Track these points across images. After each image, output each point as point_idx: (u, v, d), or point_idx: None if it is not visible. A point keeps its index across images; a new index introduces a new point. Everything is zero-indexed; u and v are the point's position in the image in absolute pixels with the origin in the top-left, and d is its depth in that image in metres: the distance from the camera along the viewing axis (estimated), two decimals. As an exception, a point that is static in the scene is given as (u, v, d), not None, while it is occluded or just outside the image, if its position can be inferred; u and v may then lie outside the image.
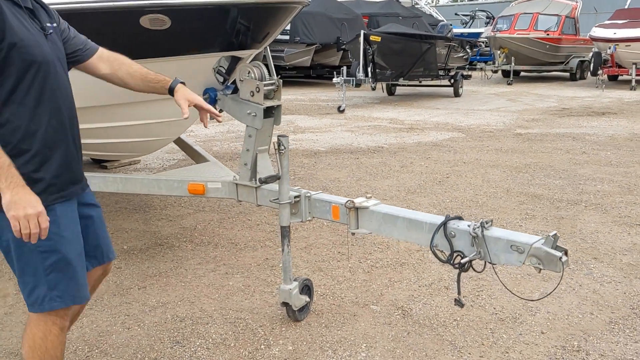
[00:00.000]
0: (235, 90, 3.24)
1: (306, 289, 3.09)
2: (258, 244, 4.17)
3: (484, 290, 3.34)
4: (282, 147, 2.81)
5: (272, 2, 2.91)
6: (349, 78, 11.60)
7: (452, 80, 14.46)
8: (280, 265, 3.76)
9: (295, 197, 2.89)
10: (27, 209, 1.72)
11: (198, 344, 2.85)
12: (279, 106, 3.11)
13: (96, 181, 3.51)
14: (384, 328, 2.96)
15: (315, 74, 18.29)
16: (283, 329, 2.97)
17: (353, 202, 2.67)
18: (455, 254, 2.35)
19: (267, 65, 3.11)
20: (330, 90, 15.04)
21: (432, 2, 52.34)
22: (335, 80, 11.58)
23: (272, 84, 3.04)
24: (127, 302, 3.29)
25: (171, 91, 2.27)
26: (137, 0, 2.71)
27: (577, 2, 20.18)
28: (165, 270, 3.70)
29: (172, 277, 3.60)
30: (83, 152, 4.32)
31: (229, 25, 2.92)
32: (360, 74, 11.62)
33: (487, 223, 2.27)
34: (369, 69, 11.81)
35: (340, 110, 11.36)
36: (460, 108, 12.10)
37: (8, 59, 1.76)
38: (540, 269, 2.14)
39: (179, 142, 4.48)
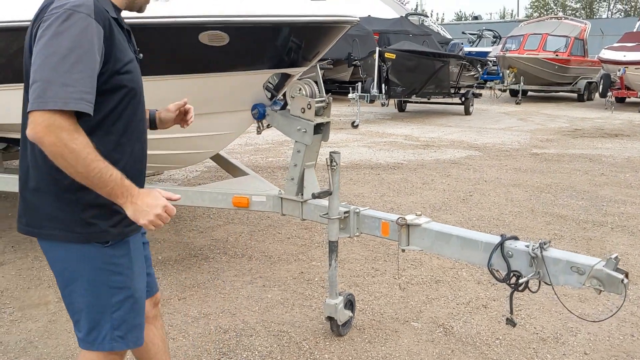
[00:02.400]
0: (283, 106, 3.31)
1: (349, 303, 3.12)
2: (291, 257, 4.20)
3: (523, 310, 3.37)
4: (334, 163, 2.86)
5: (325, 22, 2.97)
6: (363, 94, 11.70)
7: (463, 99, 14.55)
8: (316, 279, 3.81)
9: (345, 212, 2.94)
10: (154, 209, 1.63)
11: (244, 356, 2.87)
12: (327, 123, 3.17)
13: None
14: (427, 345, 2.99)
15: (325, 89, 18.37)
16: (327, 343, 3.00)
17: (405, 219, 2.71)
18: (511, 274, 2.39)
19: (316, 83, 3.17)
20: (341, 105, 15.12)
21: (437, 20, 52.88)
22: (350, 95, 11.69)
23: (322, 101, 3.10)
24: (168, 312, 3.32)
25: (153, 121, 2.12)
26: (198, 17, 2.78)
27: (586, 24, 20.36)
28: (203, 281, 3.73)
29: (211, 289, 3.63)
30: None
31: (283, 43, 2.98)
32: (375, 90, 11.72)
33: (545, 244, 2.31)
34: (383, 86, 11.92)
35: (354, 126, 11.44)
36: (472, 126, 12.17)
37: (110, 85, 1.65)
38: (601, 291, 2.18)
39: (215, 155, 4.53)
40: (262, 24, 2.84)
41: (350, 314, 3.10)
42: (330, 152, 2.87)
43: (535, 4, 58.24)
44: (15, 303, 3.41)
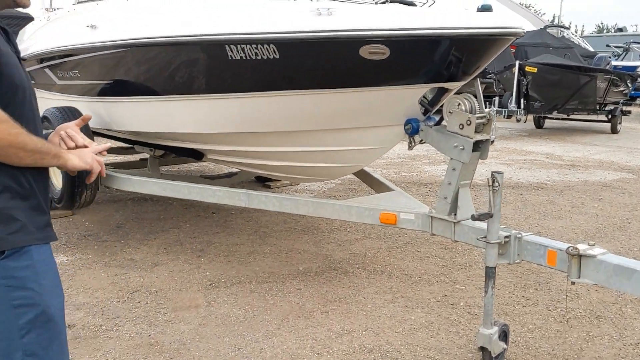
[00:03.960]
0: (438, 122, 3.18)
1: (504, 334, 2.91)
2: (433, 278, 4.04)
3: None
4: (497, 184, 2.69)
5: (492, 34, 2.81)
6: (500, 109, 11.22)
7: (610, 116, 13.49)
8: (461, 304, 3.63)
9: (505, 237, 2.75)
10: (89, 156, 1.69)
11: (391, 379, 2.77)
12: (487, 140, 3.00)
13: (288, 203, 3.59)
14: (592, 388, 2.71)
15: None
16: (478, 374, 2.82)
17: (577, 248, 2.48)
18: None
19: (476, 97, 3.01)
20: (474, 120, 14.64)
21: (577, 32, 49.76)
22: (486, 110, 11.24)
23: (483, 117, 2.94)
24: (312, 325, 3.30)
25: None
26: (362, 30, 2.74)
27: None
28: (344, 296, 3.69)
29: (352, 305, 3.57)
30: (272, 173, 4.41)
31: (444, 56, 2.86)
32: (513, 105, 11.19)
33: None
34: (522, 101, 11.35)
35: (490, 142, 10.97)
36: (621, 146, 11.22)
37: None
38: None
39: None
40: (426, 37, 2.74)
41: (505, 346, 2.88)
42: (492, 172, 2.70)
43: (692, 13, 52.88)
44: (168, 304, 3.57)
